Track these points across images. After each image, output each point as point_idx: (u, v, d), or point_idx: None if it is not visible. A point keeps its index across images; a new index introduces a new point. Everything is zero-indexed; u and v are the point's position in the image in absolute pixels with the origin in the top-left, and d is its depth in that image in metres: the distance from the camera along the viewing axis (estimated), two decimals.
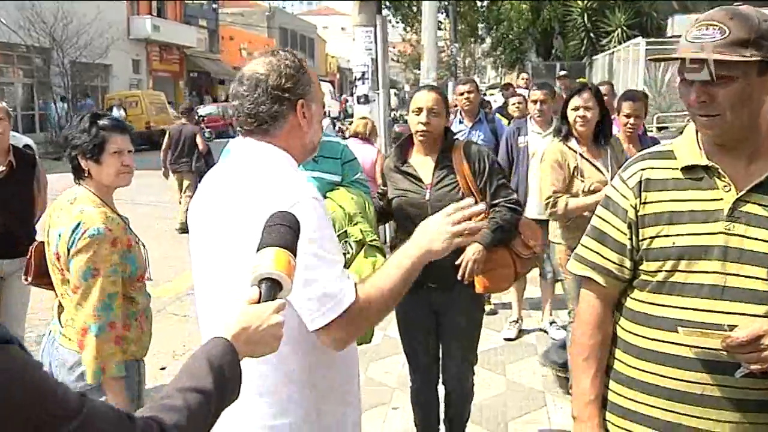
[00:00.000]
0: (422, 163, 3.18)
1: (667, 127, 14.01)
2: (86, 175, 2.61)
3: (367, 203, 3.08)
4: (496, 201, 3.11)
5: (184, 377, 1.21)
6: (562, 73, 14.03)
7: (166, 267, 7.65)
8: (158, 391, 1.64)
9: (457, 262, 3.01)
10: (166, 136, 10.74)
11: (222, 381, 1.22)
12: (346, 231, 2.90)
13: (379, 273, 1.70)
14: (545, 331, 5.42)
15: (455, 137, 3.34)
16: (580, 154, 3.85)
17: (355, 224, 2.92)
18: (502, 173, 3.19)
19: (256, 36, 49.37)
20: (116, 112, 21.66)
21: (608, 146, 3.91)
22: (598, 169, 3.82)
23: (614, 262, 1.77)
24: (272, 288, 1.34)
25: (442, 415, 3.48)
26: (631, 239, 1.74)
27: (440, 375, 3.37)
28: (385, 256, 2.91)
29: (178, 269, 7.62)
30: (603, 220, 1.81)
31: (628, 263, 1.76)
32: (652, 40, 16.54)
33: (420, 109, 3.09)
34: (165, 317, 6.21)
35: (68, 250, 2.48)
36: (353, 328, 1.64)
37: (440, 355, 3.33)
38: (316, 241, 1.59)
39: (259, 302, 1.33)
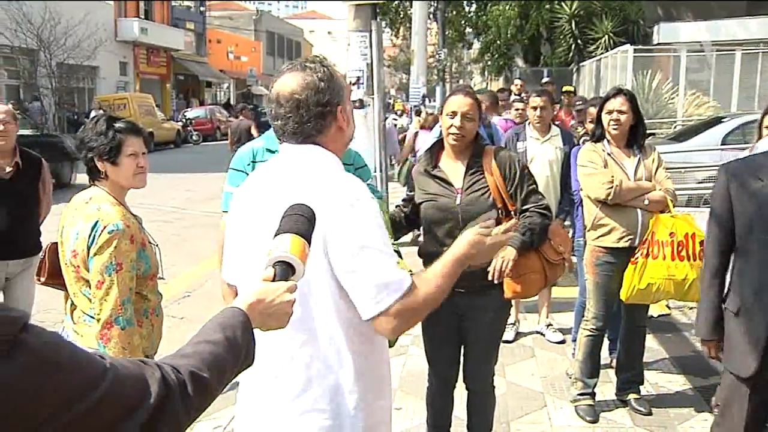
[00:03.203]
0: (452, 168, 3.17)
1: (654, 134, 14.16)
2: (103, 176, 2.67)
3: (382, 209, 3.09)
4: (527, 206, 3.11)
5: (197, 336, 1.30)
6: (546, 80, 14.16)
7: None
8: None
9: (489, 268, 2.99)
10: (229, 132, 12.94)
11: (233, 339, 1.30)
12: None
13: (428, 271, 1.84)
14: (542, 334, 5.49)
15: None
16: (608, 153, 3.97)
17: None
18: (532, 179, 3.21)
19: (243, 39, 49.33)
20: (94, 114, 21.52)
21: (640, 152, 4.00)
22: (623, 170, 3.93)
23: None
24: (286, 270, 1.45)
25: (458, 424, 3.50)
26: None
27: (458, 378, 3.39)
28: (402, 259, 2.96)
29: (173, 272, 7.65)
30: None
31: None
32: (640, 47, 16.71)
33: (454, 113, 3.07)
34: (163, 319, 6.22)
35: (88, 248, 2.52)
36: (410, 314, 1.74)
37: (461, 359, 3.35)
38: (376, 236, 1.73)
39: (273, 281, 1.44)
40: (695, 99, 16.23)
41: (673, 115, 15.80)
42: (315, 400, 1.79)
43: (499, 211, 3.08)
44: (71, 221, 2.63)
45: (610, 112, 3.94)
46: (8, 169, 4.10)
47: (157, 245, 2.82)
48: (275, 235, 1.47)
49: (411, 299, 1.72)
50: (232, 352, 1.28)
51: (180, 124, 29.65)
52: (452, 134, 3.10)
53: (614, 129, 3.94)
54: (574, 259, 5.17)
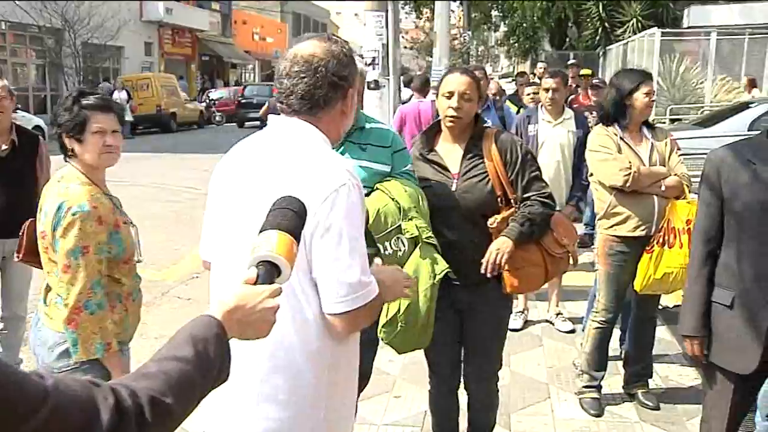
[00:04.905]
0: (449, 151, 2.97)
1: (680, 119, 13.84)
2: (70, 153, 2.57)
3: (421, 197, 2.83)
4: (528, 194, 2.90)
5: (164, 349, 1.17)
6: (572, 62, 13.89)
7: (170, 250, 7.63)
8: None
9: (483, 260, 2.81)
10: (267, 104, 14.47)
11: (204, 354, 1.17)
12: (399, 226, 2.71)
13: None
14: (551, 323, 5.35)
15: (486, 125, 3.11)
16: (621, 138, 3.80)
17: (410, 219, 2.72)
18: (535, 165, 2.98)
19: (269, 20, 49.18)
20: (117, 95, 21.61)
21: (652, 136, 3.85)
22: (637, 154, 3.76)
23: None
24: (270, 272, 1.32)
25: (465, 425, 3.32)
26: None
27: (461, 378, 3.20)
28: (441, 254, 2.76)
29: (183, 253, 7.60)
30: None
31: None
32: (667, 30, 16.32)
33: (451, 93, 2.87)
34: (169, 301, 6.19)
35: (53, 230, 2.43)
36: (367, 319, 1.75)
37: (462, 358, 3.16)
38: (358, 226, 1.68)
39: (256, 284, 1.30)
40: (725, 84, 15.83)
41: (701, 101, 15.43)
42: (275, 390, 1.71)
43: (498, 199, 2.89)
44: (44, 200, 2.55)
45: (647, 94, 3.77)
46: (4, 147, 4.04)
47: (134, 226, 2.71)
48: (260, 231, 1.35)
49: (369, 310, 1.70)
50: (202, 370, 1.15)
51: (203, 105, 29.68)
52: (449, 116, 2.90)
53: (651, 109, 3.83)
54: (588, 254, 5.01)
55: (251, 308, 1.28)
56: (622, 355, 4.43)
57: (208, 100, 30.46)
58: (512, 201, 2.91)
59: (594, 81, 8.09)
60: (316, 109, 1.76)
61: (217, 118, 29.47)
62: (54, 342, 2.50)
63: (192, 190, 11.48)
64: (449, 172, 2.93)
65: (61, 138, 2.54)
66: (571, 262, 3.03)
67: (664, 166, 3.77)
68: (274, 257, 1.30)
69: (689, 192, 3.76)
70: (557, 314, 5.36)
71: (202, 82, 38.35)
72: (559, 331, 5.22)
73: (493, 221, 2.87)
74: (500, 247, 2.80)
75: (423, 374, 3.50)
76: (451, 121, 2.92)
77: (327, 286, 1.65)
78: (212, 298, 1.89)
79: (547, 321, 5.40)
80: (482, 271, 2.81)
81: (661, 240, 3.64)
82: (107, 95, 2.74)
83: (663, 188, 3.72)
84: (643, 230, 3.74)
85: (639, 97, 3.76)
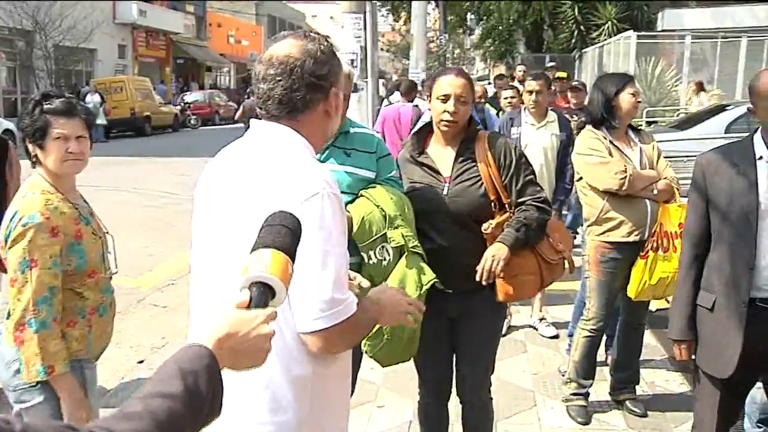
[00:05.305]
0: (441, 154, 2.86)
1: (656, 122, 13.91)
2: (35, 159, 2.44)
3: (407, 204, 2.74)
4: (523, 199, 2.79)
5: (149, 384, 1.07)
6: (551, 64, 13.91)
7: (146, 257, 7.47)
8: (135, 386, 1.53)
9: (478, 268, 2.70)
10: (242, 108, 15.33)
11: (194, 389, 1.06)
12: (384, 234, 2.62)
13: (364, 302, 1.73)
14: (534, 328, 5.29)
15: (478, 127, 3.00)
16: (610, 141, 3.73)
17: (396, 227, 2.62)
18: (530, 168, 2.87)
19: (244, 23, 48.91)
20: (90, 98, 21.26)
21: (638, 139, 3.80)
22: (627, 157, 3.70)
23: None
24: (264, 294, 1.21)
25: None
26: None
27: (452, 389, 3.09)
28: (427, 263, 2.66)
29: (159, 259, 7.45)
30: None
31: None
32: (643, 33, 16.41)
33: (447, 96, 2.73)
34: (144, 308, 6.04)
35: (5, 240, 2.30)
36: (348, 338, 1.64)
37: (454, 367, 3.03)
38: (333, 238, 1.57)
39: (248, 308, 1.20)
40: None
41: (676, 103, 15.53)
42: (256, 411, 1.61)
43: (492, 204, 2.78)
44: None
45: (633, 94, 3.72)
46: None
47: (107, 235, 2.57)
48: (252, 249, 1.25)
49: (350, 326, 1.59)
50: (192, 407, 1.05)
51: (178, 108, 29.38)
52: (445, 121, 2.77)
53: (636, 110, 3.79)
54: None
55: (245, 335, 1.17)
56: (608, 361, 4.38)
57: (183, 104, 30.17)
58: (506, 206, 2.81)
59: (573, 83, 8.07)
60: (295, 112, 1.67)
61: (192, 122, 29.20)
62: (10, 358, 2.35)
63: (168, 194, 11.31)
64: (441, 175, 2.83)
65: (25, 143, 2.41)
66: (567, 267, 2.94)
67: (653, 169, 3.72)
68: (268, 278, 1.21)
69: (679, 195, 3.71)
70: (541, 319, 5.30)
71: (179, 86, 37.91)
72: (543, 336, 5.16)
73: (487, 227, 2.76)
74: (495, 254, 2.68)
75: (406, 383, 3.41)
76: (446, 126, 2.80)
77: (298, 303, 1.56)
78: (192, 307, 1.79)
79: (530, 326, 5.34)
80: (477, 278, 2.70)
81: (654, 245, 3.59)
82: (82, 99, 2.62)
83: (655, 192, 3.66)
84: (636, 235, 3.67)
85: (625, 98, 3.71)
